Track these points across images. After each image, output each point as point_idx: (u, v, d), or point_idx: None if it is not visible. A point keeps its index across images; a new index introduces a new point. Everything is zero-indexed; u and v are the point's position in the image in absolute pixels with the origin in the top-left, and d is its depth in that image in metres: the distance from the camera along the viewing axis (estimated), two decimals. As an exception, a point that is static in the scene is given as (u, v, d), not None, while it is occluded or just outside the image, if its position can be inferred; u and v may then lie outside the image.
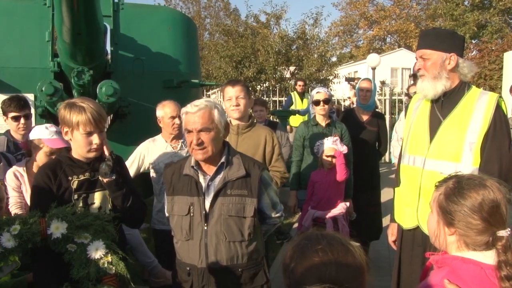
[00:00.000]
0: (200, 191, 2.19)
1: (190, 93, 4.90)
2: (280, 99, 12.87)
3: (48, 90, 3.71)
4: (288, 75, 15.77)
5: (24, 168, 2.98)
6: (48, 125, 2.94)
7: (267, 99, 11.95)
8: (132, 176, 2.92)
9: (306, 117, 7.52)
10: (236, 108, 3.14)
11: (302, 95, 9.19)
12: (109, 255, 1.98)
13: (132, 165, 3.61)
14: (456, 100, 2.41)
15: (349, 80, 9.49)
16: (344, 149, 3.79)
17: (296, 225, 5.34)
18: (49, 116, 4.30)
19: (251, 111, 4.71)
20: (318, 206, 3.78)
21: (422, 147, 2.46)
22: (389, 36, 37.45)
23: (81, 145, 2.22)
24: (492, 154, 2.29)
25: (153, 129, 3.80)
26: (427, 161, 2.42)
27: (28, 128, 3.58)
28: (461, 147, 2.32)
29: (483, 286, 1.42)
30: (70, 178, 2.24)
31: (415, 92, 2.93)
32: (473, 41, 25.28)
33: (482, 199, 1.44)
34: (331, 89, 14.31)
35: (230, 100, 3.15)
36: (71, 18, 3.10)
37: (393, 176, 3.33)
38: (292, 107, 8.97)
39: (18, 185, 2.94)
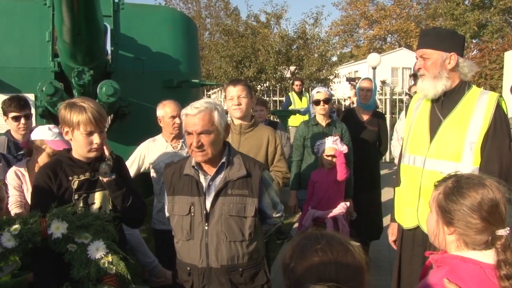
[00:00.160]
0: (200, 191, 2.19)
1: (190, 93, 4.90)
2: (280, 98, 12.88)
3: (48, 90, 3.71)
4: (288, 75, 15.77)
5: (25, 168, 2.99)
6: (51, 126, 2.94)
7: (267, 99, 11.95)
8: (132, 176, 2.92)
9: (306, 117, 7.53)
10: (238, 108, 3.13)
11: (300, 94, 9.21)
12: (110, 255, 1.98)
13: (132, 165, 3.61)
14: (457, 100, 2.40)
15: (350, 80, 9.49)
16: (344, 148, 3.79)
17: (296, 225, 5.34)
18: (50, 116, 4.30)
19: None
20: (318, 206, 3.78)
21: (422, 146, 2.46)
22: (390, 35, 37.45)
23: (81, 145, 2.22)
24: (493, 154, 2.29)
25: (153, 129, 3.80)
26: (427, 160, 2.42)
27: (28, 128, 3.58)
28: (461, 146, 2.32)
29: (483, 285, 1.42)
30: (70, 178, 2.24)
31: (415, 92, 2.93)
32: (474, 41, 25.27)
33: (481, 198, 1.45)
34: (331, 89, 14.31)
35: (232, 100, 3.14)
36: (71, 18, 3.11)
37: (393, 175, 3.33)
38: (291, 107, 8.98)
39: (19, 184, 2.95)
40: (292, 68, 15.92)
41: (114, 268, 1.96)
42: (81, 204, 2.24)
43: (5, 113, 3.64)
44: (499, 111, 2.32)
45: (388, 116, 11.16)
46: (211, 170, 2.23)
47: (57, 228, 1.96)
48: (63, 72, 4.19)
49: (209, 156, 2.18)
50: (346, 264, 1.21)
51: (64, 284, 1.96)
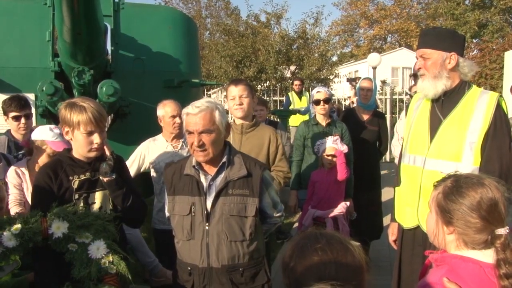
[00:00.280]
0: (201, 190, 2.19)
1: (191, 92, 4.90)
2: (280, 98, 12.87)
3: (48, 90, 3.71)
4: (288, 75, 15.77)
5: (26, 167, 3.00)
6: (52, 126, 2.95)
7: (267, 98, 11.95)
8: (132, 176, 2.93)
9: (307, 117, 7.53)
10: (239, 107, 3.13)
11: (299, 94, 9.20)
12: (110, 254, 1.98)
13: (133, 164, 3.61)
14: (457, 100, 2.40)
15: (351, 80, 9.50)
16: (344, 148, 3.79)
17: (296, 224, 5.34)
18: (50, 116, 4.31)
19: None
20: (318, 206, 3.78)
21: (423, 146, 2.46)
22: (390, 35, 37.44)
23: (81, 145, 2.22)
24: (493, 154, 2.29)
25: (154, 129, 3.80)
26: (428, 160, 2.42)
27: (28, 128, 3.59)
28: (461, 146, 2.32)
29: (482, 284, 1.42)
30: (71, 177, 2.25)
31: (415, 92, 2.93)
32: (474, 41, 25.25)
33: (481, 197, 1.45)
34: (331, 89, 14.31)
35: (233, 100, 3.13)
36: (71, 18, 3.11)
37: (393, 175, 3.34)
38: (291, 107, 8.98)
39: (20, 183, 2.96)
40: (293, 68, 15.91)
41: (114, 267, 1.97)
42: (82, 204, 2.24)
43: (5, 113, 3.65)
44: (499, 111, 2.32)
45: (388, 116, 11.16)
46: (212, 170, 2.23)
47: (58, 228, 1.96)
48: (63, 71, 4.20)
49: (211, 156, 2.18)
50: (345, 263, 1.21)
51: (65, 284, 1.96)
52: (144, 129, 4.06)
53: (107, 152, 2.30)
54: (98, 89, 3.79)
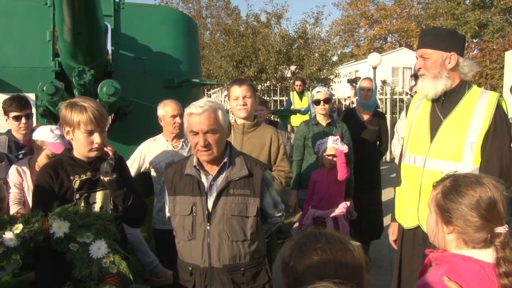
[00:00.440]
0: (202, 190, 2.19)
1: (191, 92, 4.90)
2: (281, 98, 12.88)
3: (49, 90, 3.72)
4: (289, 75, 15.76)
5: (27, 166, 3.01)
6: (53, 127, 2.95)
7: (268, 98, 11.95)
8: (132, 176, 2.93)
9: (307, 116, 7.53)
10: (243, 108, 3.12)
11: (300, 94, 9.19)
12: (111, 254, 1.99)
13: (133, 164, 3.61)
14: (457, 100, 2.41)
15: (351, 81, 9.49)
16: (344, 148, 3.80)
17: (297, 224, 5.34)
18: (50, 116, 4.31)
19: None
20: (318, 206, 3.78)
21: (423, 146, 2.47)
22: (390, 35, 37.43)
23: (82, 145, 2.23)
24: (493, 154, 2.30)
25: (154, 129, 3.81)
26: (428, 160, 2.42)
27: (29, 128, 3.60)
28: (461, 146, 2.32)
29: (483, 284, 1.42)
30: (72, 177, 2.25)
31: (416, 92, 2.94)
32: (474, 40, 25.23)
33: (479, 196, 1.46)
34: (332, 89, 14.31)
35: (236, 100, 3.12)
36: (72, 18, 3.11)
37: (393, 175, 3.34)
38: (292, 107, 8.98)
39: (20, 182, 2.98)
40: (293, 67, 15.91)
41: (115, 267, 1.97)
42: (83, 204, 2.24)
43: (6, 113, 3.66)
44: (499, 111, 2.32)
45: (388, 116, 11.16)
46: (213, 170, 2.23)
47: (59, 228, 1.97)
48: (63, 71, 4.20)
49: (215, 155, 2.18)
50: (345, 263, 1.21)
51: (66, 283, 1.96)
52: (144, 129, 4.06)
53: (110, 152, 2.30)
54: (98, 89, 3.80)
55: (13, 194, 2.94)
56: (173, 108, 3.61)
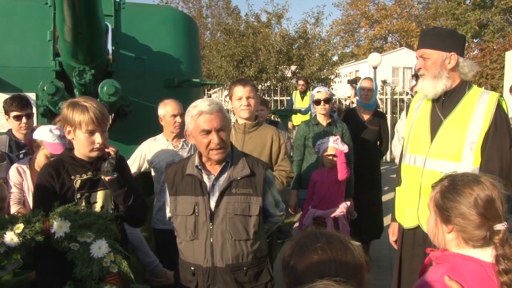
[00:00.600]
0: (204, 190, 2.19)
1: (191, 92, 4.91)
2: (281, 98, 12.88)
3: (49, 90, 3.72)
4: (289, 74, 15.76)
5: (28, 165, 3.02)
6: (53, 127, 2.96)
7: (268, 98, 11.95)
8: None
9: (308, 116, 7.53)
10: (247, 108, 3.12)
11: (303, 94, 9.17)
12: (112, 253, 1.99)
13: (133, 164, 3.61)
14: (457, 100, 2.41)
15: (351, 82, 9.49)
16: (345, 148, 3.80)
17: (297, 224, 5.35)
18: (51, 115, 4.31)
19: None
20: (319, 206, 3.78)
21: (423, 146, 2.47)
22: (390, 35, 37.43)
23: (83, 145, 2.23)
24: (493, 154, 2.30)
25: (154, 129, 3.81)
26: (428, 160, 2.43)
27: (30, 128, 3.60)
28: (461, 146, 2.32)
29: (483, 283, 1.43)
30: (73, 177, 2.25)
31: (416, 92, 2.94)
32: (475, 40, 25.22)
33: (477, 194, 1.47)
34: (332, 88, 14.30)
35: (240, 100, 3.12)
36: (72, 17, 3.11)
37: (394, 175, 3.35)
38: (293, 106, 8.99)
39: (20, 182, 2.98)
40: (293, 67, 15.90)
41: (116, 267, 1.97)
42: (84, 203, 2.24)
43: (7, 112, 3.66)
44: (499, 111, 2.32)
45: (388, 116, 11.16)
46: (215, 170, 2.23)
47: (60, 227, 1.97)
48: (64, 71, 4.21)
49: (226, 154, 2.19)
50: (345, 262, 1.22)
51: (66, 283, 1.97)
52: (144, 129, 4.07)
53: (112, 152, 2.30)
54: (99, 89, 3.80)
55: (13, 194, 2.95)
56: (174, 108, 3.61)
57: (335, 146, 3.77)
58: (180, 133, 3.67)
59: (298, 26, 16.23)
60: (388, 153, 8.67)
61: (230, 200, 2.17)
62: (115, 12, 4.62)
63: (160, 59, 4.76)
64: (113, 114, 4.63)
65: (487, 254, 1.47)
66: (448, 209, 1.52)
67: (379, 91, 11.38)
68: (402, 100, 12.48)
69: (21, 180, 2.99)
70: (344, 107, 10.50)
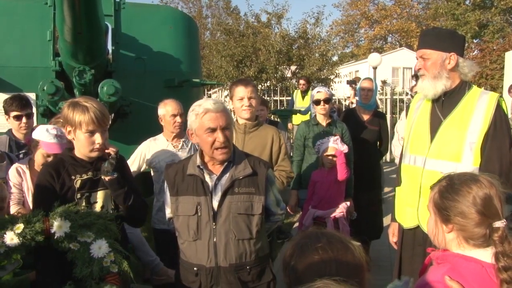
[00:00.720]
0: (206, 190, 2.19)
1: (191, 92, 4.91)
2: (281, 98, 12.88)
3: (49, 89, 3.72)
4: (289, 75, 15.77)
5: (27, 166, 3.02)
6: (50, 127, 2.96)
7: (268, 98, 11.95)
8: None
9: (307, 116, 7.53)
10: (248, 109, 3.12)
11: (304, 93, 9.16)
12: (112, 253, 1.99)
13: (133, 164, 3.61)
14: (457, 100, 2.41)
15: (351, 83, 9.49)
16: (345, 148, 3.80)
17: (297, 224, 5.35)
18: (51, 115, 4.31)
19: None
20: (319, 206, 3.78)
21: (423, 146, 2.47)
22: (390, 35, 37.44)
23: (83, 145, 2.23)
24: (493, 154, 2.30)
25: (154, 129, 3.81)
26: (428, 160, 2.43)
27: (30, 127, 3.60)
28: (461, 146, 2.32)
29: (484, 284, 1.43)
30: (73, 177, 2.25)
31: (416, 92, 2.94)
32: (475, 41, 25.25)
33: (475, 192, 1.48)
34: (332, 89, 14.31)
35: (241, 100, 3.11)
36: (72, 17, 3.11)
37: (394, 175, 3.36)
38: (294, 105, 8.98)
39: (20, 182, 2.98)
40: (293, 67, 15.90)
41: (116, 266, 1.97)
42: (84, 203, 2.24)
43: (7, 112, 3.66)
44: (499, 111, 2.32)
45: (388, 116, 11.16)
46: (216, 169, 2.23)
47: (60, 227, 1.97)
48: (64, 71, 4.21)
49: (230, 154, 2.19)
50: (346, 262, 1.22)
51: (67, 283, 1.97)
52: (144, 129, 4.07)
53: (112, 152, 2.30)
54: (99, 89, 3.80)
55: (12, 195, 2.95)
56: (174, 108, 3.61)
57: (335, 146, 3.77)
58: (180, 133, 3.67)
59: (298, 26, 16.24)
60: (388, 153, 8.67)
61: (233, 199, 2.17)
62: (115, 12, 4.62)
63: (160, 59, 4.76)
64: (113, 114, 4.63)
65: (488, 255, 1.47)
66: (447, 209, 1.53)
67: (379, 91, 11.38)
68: (402, 100, 12.49)
69: (20, 180, 2.99)
70: (344, 107, 10.51)
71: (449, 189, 1.54)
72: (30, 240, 1.95)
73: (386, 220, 4.57)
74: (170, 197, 2.28)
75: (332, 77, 15.94)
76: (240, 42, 15.23)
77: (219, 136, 2.13)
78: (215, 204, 2.18)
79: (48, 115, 4.34)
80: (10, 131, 3.73)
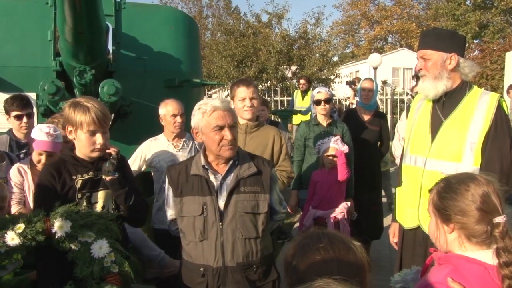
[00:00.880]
0: (212, 190, 2.18)
1: (192, 92, 4.91)
2: (281, 98, 12.89)
3: (50, 89, 3.72)
4: (289, 75, 15.78)
5: (29, 165, 3.03)
6: (43, 125, 2.97)
7: (268, 98, 11.96)
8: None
9: (308, 116, 7.53)
10: (250, 109, 3.12)
11: (304, 93, 9.15)
12: (113, 253, 1.99)
13: (134, 164, 3.61)
14: (458, 100, 2.41)
15: (350, 83, 9.48)
16: (345, 148, 3.80)
17: (297, 224, 5.35)
18: (51, 115, 4.31)
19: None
20: (319, 206, 3.78)
21: (424, 147, 2.47)
22: (391, 35, 37.44)
23: (84, 145, 2.23)
24: (493, 154, 2.30)
25: (155, 129, 3.81)
26: (428, 161, 2.43)
27: (30, 127, 3.60)
28: (462, 147, 2.32)
29: (486, 286, 1.42)
30: (74, 177, 2.25)
31: (417, 93, 2.94)
32: (475, 41, 25.25)
33: (473, 189, 1.50)
34: (332, 89, 14.32)
35: (243, 101, 3.11)
36: (73, 17, 3.11)
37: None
38: (294, 105, 8.99)
39: (21, 181, 2.99)
40: (294, 68, 15.92)
41: (117, 267, 1.97)
42: (84, 203, 2.24)
43: (7, 112, 3.66)
44: (500, 111, 2.33)
45: (388, 116, 11.16)
46: (221, 169, 2.24)
47: (61, 227, 1.97)
48: (64, 71, 4.21)
49: (235, 151, 2.21)
50: (348, 262, 1.22)
51: (67, 283, 1.97)
52: (145, 129, 4.07)
53: (113, 152, 2.30)
54: (99, 89, 3.80)
55: (14, 194, 2.96)
56: (174, 107, 3.61)
57: (336, 146, 3.77)
58: (181, 133, 3.67)
59: (298, 27, 16.28)
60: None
61: (239, 198, 2.17)
62: (116, 12, 4.62)
63: (161, 59, 4.76)
64: (113, 114, 4.63)
65: (491, 257, 1.47)
66: (447, 208, 1.54)
67: (379, 91, 11.38)
68: (402, 101, 12.51)
69: (22, 180, 3.00)
70: (344, 107, 10.51)
71: (447, 189, 1.56)
72: (31, 240, 1.95)
73: (386, 220, 4.58)
74: (174, 198, 2.27)
75: (332, 77, 15.95)
76: (240, 42, 15.25)
77: (226, 134, 2.14)
78: (221, 203, 2.18)
79: (48, 115, 4.33)
80: (10, 131, 3.73)
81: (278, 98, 12.89)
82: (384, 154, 5.00)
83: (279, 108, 12.01)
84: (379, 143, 4.71)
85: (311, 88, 8.90)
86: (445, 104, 2.45)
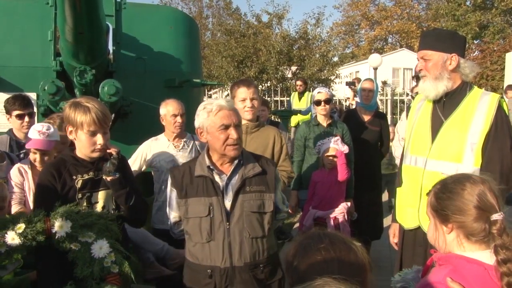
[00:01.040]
0: (218, 190, 2.18)
1: (192, 92, 4.91)
2: (281, 99, 12.90)
3: (50, 89, 3.72)
4: (289, 75, 15.79)
5: (29, 165, 3.03)
6: (38, 124, 2.99)
7: (268, 99, 11.97)
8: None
9: (308, 117, 7.54)
10: (250, 110, 3.12)
11: (300, 95, 9.17)
12: (113, 254, 1.99)
13: (134, 164, 3.61)
14: (458, 101, 2.41)
15: (350, 84, 9.49)
16: (345, 149, 3.80)
17: (297, 225, 5.35)
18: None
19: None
20: (319, 206, 3.78)
21: (424, 147, 2.47)
22: (391, 36, 37.45)
23: (85, 145, 2.23)
24: (494, 155, 2.30)
25: (155, 129, 3.81)
26: (429, 161, 2.43)
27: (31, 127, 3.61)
28: (462, 147, 2.32)
29: (486, 286, 1.43)
30: (74, 177, 2.25)
31: (417, 93, 2.94)
32: (475, 42, 25.26)
33: (469, 188, 1.51)
34: (332, 89, 14.32)
35: (244, 101, 3.10)
36: (73, 17, 3.11)
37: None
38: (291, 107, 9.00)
39: (21, 181, 2.99)
40: (294, 68, 15.93)
41: (117, 267, 1.97)
42: (85, 203, 2.24)
43: (8, 112, 3.66)
44: (500, 112, 2.33)
45: (389, 117, 11.16)
46: (226, 169, 2.24)
47: (61, 227, 1.97)
48: (65, 71, 4.21)
49: (240, 151, 2.22)
50: (348, 262, 1.22)
51: (67, 283, 1.97)
52: (145, 129, 4.06)
53: (114, 152, 2.30)
54: (99, 89, 3.80)
55: (14, 194, 2.96)
56: (175, 108, 3.61)
57: (336, 146, 3.77)
58: (181, 133, 3.67)
59: (298, 27, 16.31)
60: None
61: (245, 198, 2.18)
62: (116, 12, 4.62)
63: (161, 59, 4.76)
64: (113, 114, 4.63)
65: (490, 257, 1.47)
66: (445, 208, 1.55)
67: (379, 92, 11.38)
68: (402, 101, 12.51)
69: (22, 180, 3.00)
70: (344, 108, 10.50)
71: (443, 190, 1.58)
72: (31, 240, 1.95)
73: (386, 221, 4.58)
74: (178, 200, 2.26)
75: (332, 77, 15.96)
76: (240, 42, 15.26)
77: (232, 133, 2.14)
78: (228, 204, 2.18)
79: (48, 115, 4.33)
80: (10, 130, 3.72)
81: (278, 98, 12.90)
82: (384, 154, 5.00)
83: (279, 108, 12.01)
84: (379, 143, 4.71)
85: (310, 89, 8.90)
86: (445, 104, 2.45)
